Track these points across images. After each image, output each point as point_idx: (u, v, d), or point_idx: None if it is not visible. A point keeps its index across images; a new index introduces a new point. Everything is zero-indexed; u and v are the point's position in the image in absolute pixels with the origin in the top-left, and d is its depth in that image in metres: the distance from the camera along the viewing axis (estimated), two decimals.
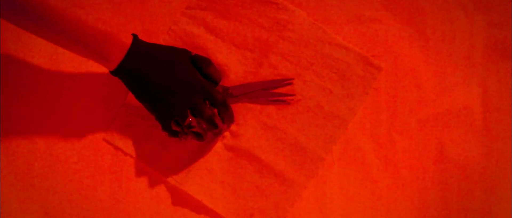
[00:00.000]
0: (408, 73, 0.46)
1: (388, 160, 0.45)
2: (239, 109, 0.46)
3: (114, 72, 0.39)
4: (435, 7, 0.46)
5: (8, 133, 0.45)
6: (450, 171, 0.45)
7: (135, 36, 0.39)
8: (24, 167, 0.45)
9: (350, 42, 0.46)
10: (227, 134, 0.46)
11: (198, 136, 0.42)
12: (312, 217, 0.45)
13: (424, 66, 0.46)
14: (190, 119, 0.40)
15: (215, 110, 0.42)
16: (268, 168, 0.45)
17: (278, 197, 0.45)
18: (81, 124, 0.46)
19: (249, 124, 0.45)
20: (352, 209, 0.45)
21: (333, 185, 0.45)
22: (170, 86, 0.39)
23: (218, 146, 0.45)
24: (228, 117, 0.43)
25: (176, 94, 0.39)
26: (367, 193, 0.45)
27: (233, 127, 0.46)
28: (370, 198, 0.45)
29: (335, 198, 0.45)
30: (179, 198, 0.45)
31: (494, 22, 0.46)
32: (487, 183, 0.45)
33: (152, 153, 0.45)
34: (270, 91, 0.45)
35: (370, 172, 0.45)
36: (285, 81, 0.45)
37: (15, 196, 0.45)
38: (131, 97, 0.45)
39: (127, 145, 0.45)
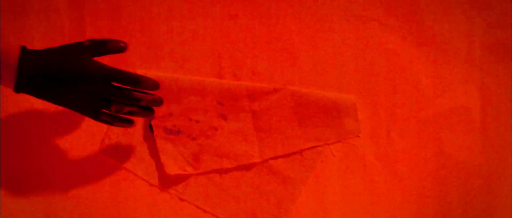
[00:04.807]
0: (407, 73, 0.46)
1: (388, 160, 0.46)
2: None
3: (17, 91, 0.37)
4: (434, 7, 0.46)
5: (7, 137, 0.45)
6: (449, 171, 0.45)
7: (22, 49, 0.37)
8: (23, 171, 0.45)
9: (349, 41, 0.46)
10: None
11: (127, 121, 0.41)
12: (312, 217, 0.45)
13: (423, 66, 0.46)
14: (114, 106, 0.39)
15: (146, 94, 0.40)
16: (266, 168, 0.45)
17: (279, 196, 0.45)
18: (77, 136, 0.46)
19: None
20: (352, 209, 0.45)
21: (333, 185, 0.45)
22: (77, 83, 0.38)
23: None
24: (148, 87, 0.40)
25: (85, 89, 0.38)
26: (367, 193, 0.45)
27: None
28: (369, 198, 0.45)
29: (334, 198, 0.45)
30: (180, 207, 0.46)
31: (493, 22, 0.46)
32: (487, 183, 0.45)
33: (149, 164, 0.46)
34: None
35: (370, 172, 0.45)
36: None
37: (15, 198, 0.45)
38: None
39: (123, 158, 0.45)
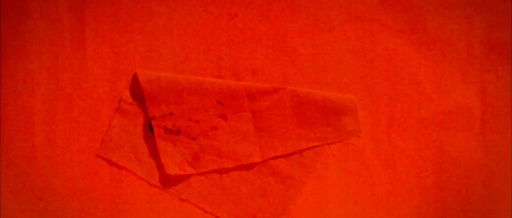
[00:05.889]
0: (406, 73, 0.46)
1: (387, 160, 0.46)
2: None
3: None
4: (434, 7, 0.46)
5: (7, 137, 0.45)
6: (449, 171, 0.45)
7: None
8: (24, 171, 0.45)
9: (349, 41, 0.46)
10: None
11: None
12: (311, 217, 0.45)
13: (423, 66, 0.46)
14: None
15: None
16: (266, 168, 0.45)
17: (279, 196, 0.45)
18: (77, 136, 0.46)
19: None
20: (351, 209, 0.45)
21: (333, 185, 0.46)
22: None
23: None
24: None
25: None
26: (366, 193, 0.45)
27: None
28: (369, 198, 0.45)
29: (334, 198, 0.45)
30: (180, 207, 0.46)
31: (493, 22, 0.46)
32: (487, 183, 0.45)
33: (149, 164, 0.46)
34: None
35: (369, 172, 0.45)
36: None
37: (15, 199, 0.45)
38: (121, 108, 0.45)
39: (123, 158, 0.46)
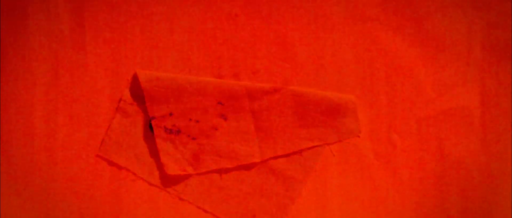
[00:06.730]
0: (406, 73, 0.46)
1: (387, 160, 0.46)
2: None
3: None
4: (434, 7, 0.46)
5: (7, 137, 0.45)
6: (449, 170, 0.45)
7: None
8: (23, 171, 0.45)
9: (349, 41, 0.46)
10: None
11: None
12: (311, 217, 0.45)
13: (422, 66, 0.46)
14: None
15: None
16: (266, 168, 0.45)
17: (279, 196, 0.45)
18: (77, 136, 0.46)
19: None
20: (352, 209, 0.45)
21: (333, 185, 0.46)
22: None
23: None
24: None
25: None
26: (367, 193, 0.45)
27: None
28: (369, 198, 0.45)
29: (334, 198, 0.45)
30: (180, 207, 0.46)
31: (493, 22, 0.46)
32: (487, 183, 0.45)
33: (149, 164, 0.46)
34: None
35: (369, 172, 0.46)
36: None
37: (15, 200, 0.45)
38: (121, 108, 0.45)
39: (123, 158, 0.45)
